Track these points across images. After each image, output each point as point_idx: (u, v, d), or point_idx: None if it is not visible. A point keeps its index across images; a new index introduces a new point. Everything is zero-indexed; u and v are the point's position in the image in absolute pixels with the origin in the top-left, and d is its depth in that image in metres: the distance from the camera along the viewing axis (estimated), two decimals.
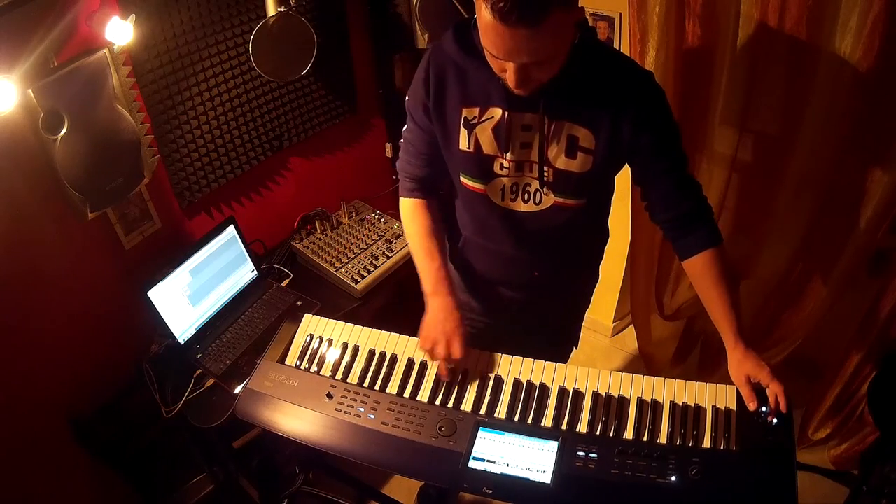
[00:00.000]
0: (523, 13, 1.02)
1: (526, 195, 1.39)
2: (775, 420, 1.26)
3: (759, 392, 1.29)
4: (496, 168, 1.37)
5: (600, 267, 1.75)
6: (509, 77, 1.15)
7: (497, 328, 1.71)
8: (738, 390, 1.31)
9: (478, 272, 1.62)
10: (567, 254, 1.55)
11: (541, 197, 1.38)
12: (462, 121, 1.33)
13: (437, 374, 1.39)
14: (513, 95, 1.23)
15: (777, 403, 1.25)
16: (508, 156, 1.34)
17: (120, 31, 1.57)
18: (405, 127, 1.49)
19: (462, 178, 1.43)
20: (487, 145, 1.34)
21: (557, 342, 1.85)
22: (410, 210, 1.54)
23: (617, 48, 1.90)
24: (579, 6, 1.14)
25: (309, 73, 2.06)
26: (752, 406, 1.27)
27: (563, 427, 1.29)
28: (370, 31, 2.40)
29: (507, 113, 1.29)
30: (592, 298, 1.83)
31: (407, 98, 1.44)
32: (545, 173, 1.34)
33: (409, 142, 1.49)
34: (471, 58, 1.27)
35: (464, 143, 1.35)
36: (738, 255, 2.04)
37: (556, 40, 1.10)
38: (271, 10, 1.84)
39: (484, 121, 1.32)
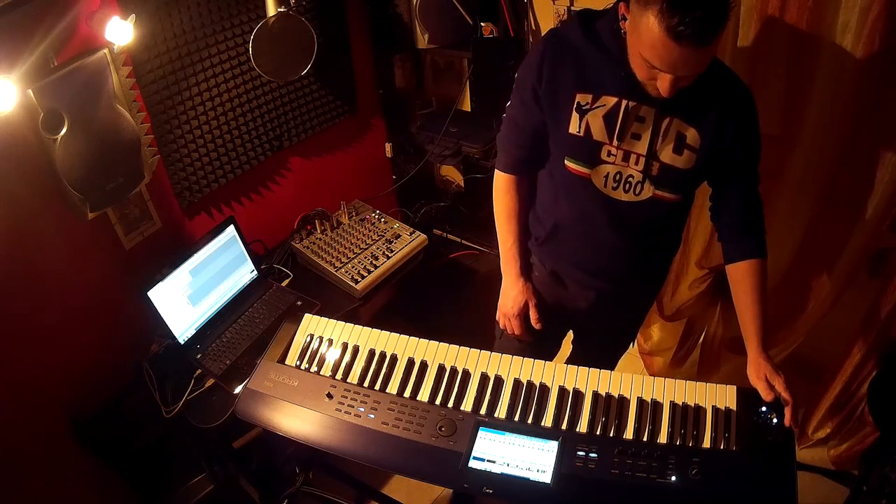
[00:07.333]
0: (700, 36, 1.08)
1: (627, 185, 1.41)
2: (775, 420, 1.26)
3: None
4: (603, 154, 1.39)
5: None
6: (661, 85, 1.19)
7: (568, 320, 1.73)
8: (738, 391, 1.31)
9: (566, 259, 1.61)
10: (655, 248, 1.58)
11: (641, 188, 1.40)
12: (575, 105, 1.36)
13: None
14: (631, 85, 1.27)
15: (782, 416, 1.27)
16: (617, 144, 1.36)
17: (120, 31, 1.57)
18: (509, 103, 1.50)
19: (567, 162, 1.43)
20: (597, 131, 1.36)
21: (619, 339, 1.89)
22: (502, 186, 1.60)
23: None
24: None
25: (309, 73, 2.06)
26: (768, 397, 1.30)
27: (563, 427, 1.29)
28: (370, 31, 2.40)
29: (623, 102, 1.32)
30: None
31: (517, 75, 1.45)
32: (651, 167, 1.37)
33: (512, 119, 1.51)
34: (593, 46, 1.32)
35: (574, 127, 1.38)
36: None
37: (713, 53, 1.18)
38: (271, 10, 1.84)
39: (596, 107, 1.34)
